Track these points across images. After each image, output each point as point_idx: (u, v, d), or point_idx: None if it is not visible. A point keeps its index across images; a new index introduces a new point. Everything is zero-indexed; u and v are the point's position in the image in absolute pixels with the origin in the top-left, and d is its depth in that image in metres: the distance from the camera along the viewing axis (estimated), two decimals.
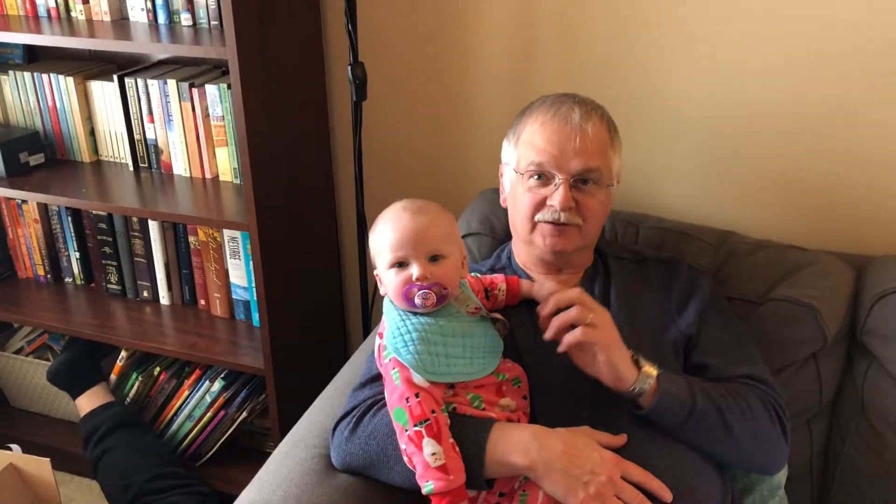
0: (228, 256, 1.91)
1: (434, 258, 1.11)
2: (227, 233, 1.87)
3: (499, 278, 1.28)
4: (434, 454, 1.03)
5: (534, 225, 1.26)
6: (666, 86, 1.58)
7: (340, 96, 1.84)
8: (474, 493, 1.10)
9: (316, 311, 1.97)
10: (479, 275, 1.29)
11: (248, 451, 2.05)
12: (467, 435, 1.08)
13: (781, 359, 1.36)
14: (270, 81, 1.62)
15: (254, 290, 1.88)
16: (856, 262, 1.43)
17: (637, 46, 1.57)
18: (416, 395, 1.06)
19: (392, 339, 1.11)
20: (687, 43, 1.53)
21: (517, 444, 1.08)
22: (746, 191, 1.59)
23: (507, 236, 1.46)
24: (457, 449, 1.05)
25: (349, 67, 1.58)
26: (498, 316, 1.18)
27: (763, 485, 1.30)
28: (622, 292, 1.28)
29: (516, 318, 1.25)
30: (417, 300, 1.09)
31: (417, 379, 1.08)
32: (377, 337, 1.18)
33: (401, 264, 1.11)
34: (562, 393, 1.18)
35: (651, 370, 1.13)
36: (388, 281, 1.13)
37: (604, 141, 1.26)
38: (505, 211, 1.41)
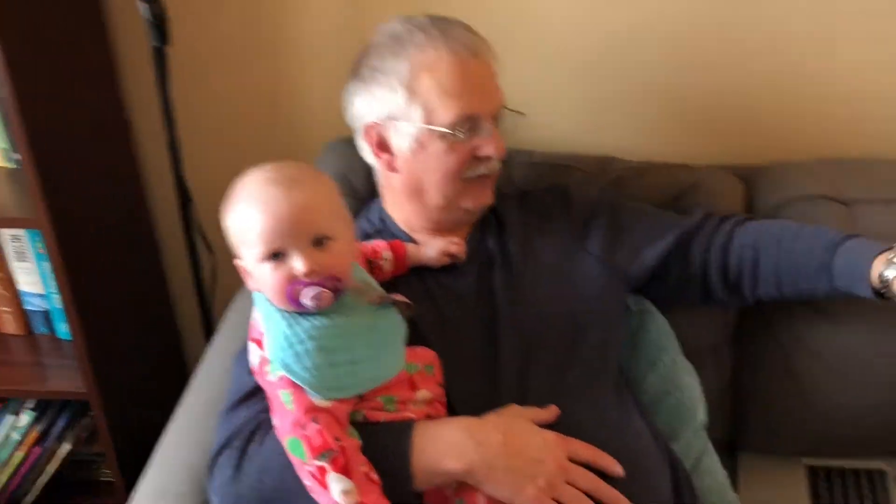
0: (13, 260, 1.53)
1: (319, 242, 0.86)
2: (4, 232, 1.49)
3: (381, 245, 1.06)
4: (345, 491, 0.81)
5: (464, 185, 1.06)
6: (529, 10, 1.40)
7: (136, 41, 1.48)
8: None
9: (137, 309, 1.64)
10: None
11: (81, 485, 1.69)
12: (386, 447, 0.88)
13: None
14: (35, 31, 1.27)
15: (54, 296, 1.54)
16: (743, 175, 1.35)
17: None
18: (315, 421, 0.83)
19: (279, 353, 0.86)
20: None
21: (448, 446, 0.89)
22: (622, 113, 1.46)
23: (370, 195, 1.25)
24: (373, 475, 0.84)
25: (144, 3, 1.24)
26: (401, 298, 0.96)
27: (687, 429, 1.21)
28: (521, 238, 1.12)
29: (406, 292, 1.05)
30: (306, 301, 0.85)
31: (317, 399, 0.84)
32: (251, 343, 0.93)
33: (276, 255, 0.86)
34: (479, 370, 1.01)
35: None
36: (262, 277, 0.87)
37: (495, 67, 1.10)
38: (365, 166, 1.19)
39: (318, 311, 0.87)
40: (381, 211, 1.17)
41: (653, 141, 1.46)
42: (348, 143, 1.34)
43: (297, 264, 0.84)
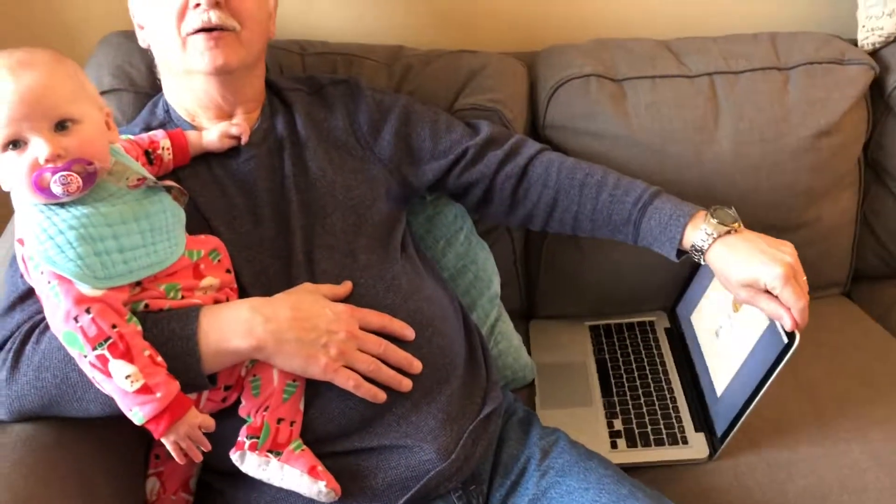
0: None
1: (62, 125, 0.82)
2: None
3: (159, 135, 1.03)
4: (129, 377, 0.81)
5: (183, 42, 1.01)
6: None
7: None
8: (195, 396, 0.92)
9: None
10: (131, 137, 1.02)
11: None
12: (172, 332, 0.88)
13: None
14: None
15: None
16: (525, 59, 1.41)
17: None
18: (88, 311, 0.82)
19: (40, 247, 0.82)
20: None
21: (235, 324, 0.91)
22: (409, 2, 1.47)
23: (154, 88, 1.20)
24: (157, 359, 0.84)
25: None
26: (170, 183, 0.94)
27: (483, 298, 1.29)
28: (311, 122, 1.13)
29: (193, 180, 1.04)
30: (56, 188, 0.81)
31: (86, 290, 0.82)
32: (16, 244, 0.89)
33: (16, 144, 0.81)
34: (269, 253, 1.02)
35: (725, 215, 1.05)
36: (6, 170, 0.83)
37: None
38: (144, 55, 1.14)
39: (78, 201, 0.84)
40: (164, 102, 1.13)
41: (436, 27, 1.49)
42: (126, 36, 1.28)
43: (39, 150, 0.80)
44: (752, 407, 1.07)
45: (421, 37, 1.45)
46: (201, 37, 1.01)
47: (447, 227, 1.29)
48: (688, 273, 1.37)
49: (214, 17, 1.00)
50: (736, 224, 1.04)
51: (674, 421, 1.21)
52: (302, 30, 1.45)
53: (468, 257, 1.30)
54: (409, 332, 1.00)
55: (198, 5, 0.99)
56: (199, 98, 1.08)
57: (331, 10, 1.47)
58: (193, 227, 0.96)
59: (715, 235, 1.03)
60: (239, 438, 0.92)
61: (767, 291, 0.99)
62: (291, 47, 1.36)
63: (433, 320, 1.05)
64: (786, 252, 1.01)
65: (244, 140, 1.07)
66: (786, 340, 1.02)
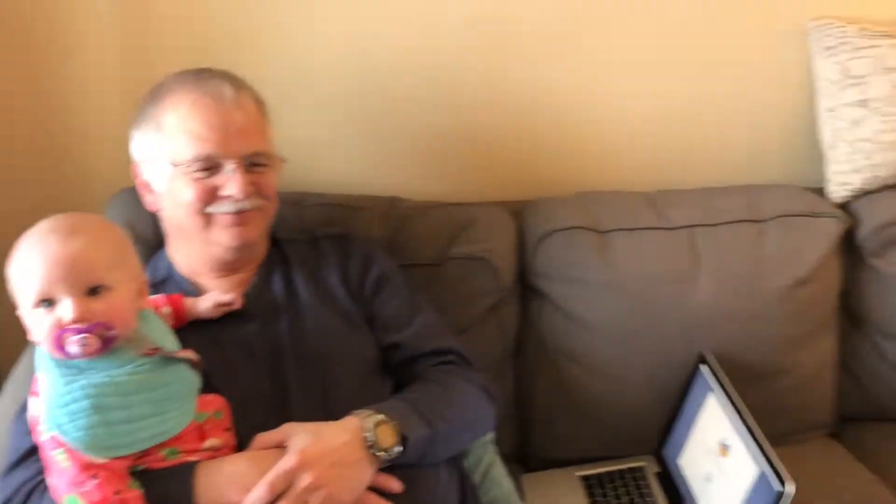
0: None
1: (94, 290, 0.88)
2: None
3: (160, 300, 1.08)
4: None
5: (207, 219, 1.09)
6: (303, 56, 1.48)
7: None
8: None
9: None
10: None
11: None
12: (168, 491, 0.90)
13: (466, 315, 1.38)
14: None
15: None
16: (515, 209, 1.49)
17: (259, 16, 1.45)
18: (94, 477, 0.84)
19: (54, 412, 0.86)
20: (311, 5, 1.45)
21: (232, 477, 0.93)
22: (403, 155, 1.56)
23: (160, 243, 1.26)
24: None
25: None
26: (185, 354, 0.97)
27: (476, 443, 1.31)
28: (307, 276, 1.18)
29: (197, 340, 1.07)
30: (73, 348, 0.86)
31: (93, 457, 0.85)
32: (31, 398, 0.92)
33: (49, 302, 0.87)
34: (269, 411, 1.05)
35: (387, 437, 0.99)
36: (34, 325, 0.88)
37: (260, 115, 1.15)
38: (151, 214, 1.21)
39: (96, 365, 0.88)
40: (167, 258, 1.19)
41: (432, 179, 1.58)
42: (135, 193, 1.35)
43: (65, 311, 0.85)
44: None
45: (415, 187, 1.54)
46: (229, 217, 1.08)
47: None
48: (670, 413, 1.39)
49: (248, 203, 1.08)
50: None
51: None
52: (302, 180, 1.53)
53: None
54: (394, 485, 1.01)
55: (231, 197, 1.07)
56: (207, 261, 1.14)
57: (331, 162, 1.56)
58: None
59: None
60: None
61: None
62: (291, 198, 1.43)
63: (425, 472, 1.06)
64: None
65: (236, 306, 1.12)
66: (779, 489, 1.05)
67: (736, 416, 1.21)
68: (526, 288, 1.45)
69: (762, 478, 1.11)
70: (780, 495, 1.05)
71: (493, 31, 1.49)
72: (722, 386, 1.26)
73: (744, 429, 1.18)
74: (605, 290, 1.37)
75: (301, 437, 0.96)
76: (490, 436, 1.32)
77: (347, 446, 0.97)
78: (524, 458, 1.49)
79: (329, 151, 1.55)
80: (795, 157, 1.61)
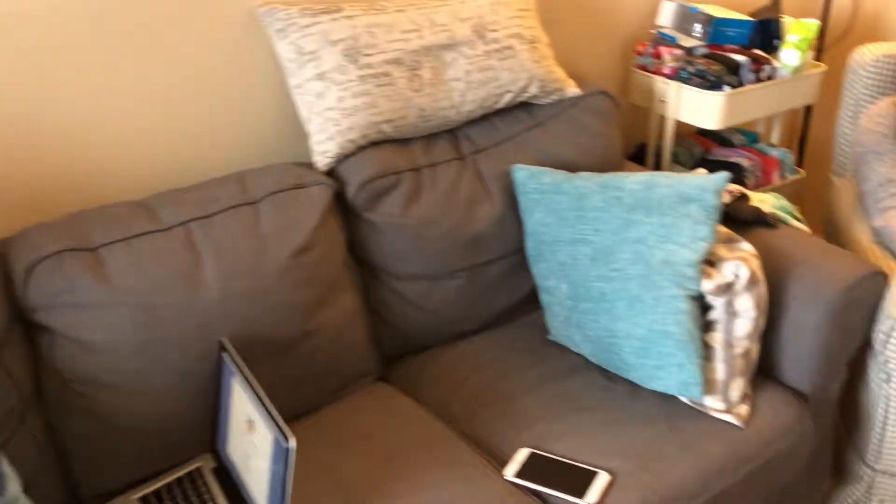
0: None
1: None
2: None
3: None
4: None
5: None
6: None
7: None
8: None
9: None
10: None
11: None
12: None
13: None
14: None
15: None
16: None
17: None
18: None
19: None
20: None
21: None
22: None
23: None
24: None
25: None
26: None
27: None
28: None
29: None
30: None
31: None
32: None
33: None
34: None
35: None
36: None
37: None
38: None
39: None
40: None
41: None
42: None
43: None
44: None
45: None
46: None
47: None
48: (211, 403, 1.41)
49: None
50: None
51: None
52: None
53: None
54: None
55: None
56: None
57: None
58: None
59: None
60: None
61: None
62: None
63: None
64: None
65: None
66: (285, 445, 1.13)
67: (252, 392, 1.25)
68: (29, 326, 1.36)
69: (276, 442, 1.17)
70: (287, 451, 1.12)
71: None
72: (239, 368, 1.30)
73: (258, 402, 1.23)
74: (106, 308, 1.32)
75: None
76: (16, 489, 1.22)
77: None
78: (81, 500, 1.41)
79: None
80: (287, 137, 1.71)
